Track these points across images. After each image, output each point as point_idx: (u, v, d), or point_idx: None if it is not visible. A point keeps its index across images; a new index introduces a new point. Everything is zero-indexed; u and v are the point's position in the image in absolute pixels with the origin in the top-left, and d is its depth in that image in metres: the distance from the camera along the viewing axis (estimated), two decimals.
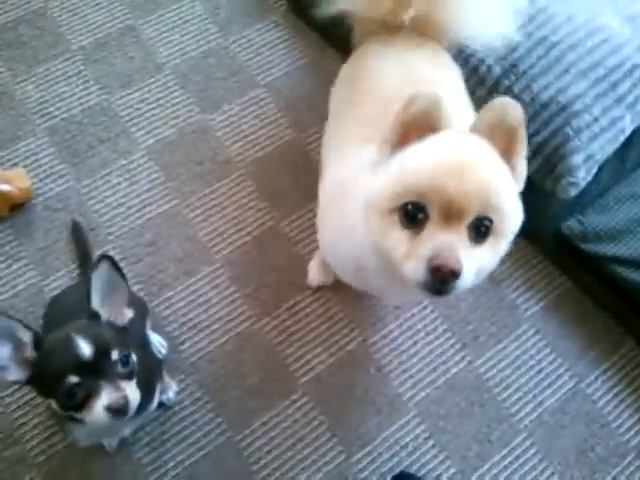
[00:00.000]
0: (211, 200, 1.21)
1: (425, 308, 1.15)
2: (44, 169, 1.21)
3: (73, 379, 0.63)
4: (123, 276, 0.71)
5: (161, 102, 1.28)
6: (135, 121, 1.26)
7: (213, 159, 1.25)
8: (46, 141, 1.23)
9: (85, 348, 0.64)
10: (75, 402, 0.64)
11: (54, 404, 0.66)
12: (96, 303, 0.69)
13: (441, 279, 0.56)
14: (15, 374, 0.64)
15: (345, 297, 1.14)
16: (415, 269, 0.57)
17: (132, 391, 0.66)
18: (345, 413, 1.05)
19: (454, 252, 0.56)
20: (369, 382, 1.07)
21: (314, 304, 1.13)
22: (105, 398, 0.63)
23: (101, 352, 0.65)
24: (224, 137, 1.27)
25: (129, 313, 0.73)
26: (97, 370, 0.64)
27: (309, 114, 1.29)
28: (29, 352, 0.65)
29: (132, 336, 0.75)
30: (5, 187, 1.11)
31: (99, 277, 0.68)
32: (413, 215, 0.59)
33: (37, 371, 0.65)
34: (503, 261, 1.17)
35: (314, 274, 1.12)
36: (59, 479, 0.97)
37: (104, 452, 0.99)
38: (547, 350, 1.13)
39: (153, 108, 1.28)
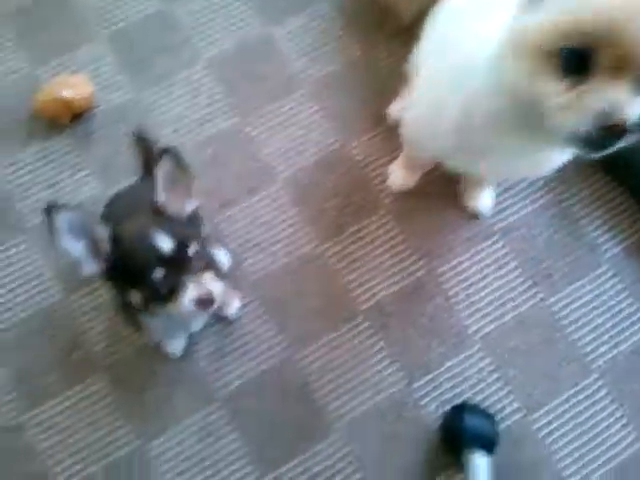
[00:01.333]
0: (274, 118, 1.15)
1: (496, 242, 1.09)
2: (104, 77, 1.16)
3: (159, 273, 0.62)
4: (186, 166, 0.69)
5: (223, 11, 1.21)
6: (198, 29, 1.19)
7: (276, 75, 1.18)
8: (107, 48, 1.18)
9: (165, 242, 0.63)
10: (160, 295, 0.64)
11: (136, 296, 0.65)
12: (162, 197, 0.67)
13: (613, 135, 0.51)
14: (90, 267, 0.64)
15: (410, 227, 1.09)
16: (577, 122, 0.52)
17: (213, 282, 0.66)
18: (408, 341, 1.02)
19: (630, 109, 0.50)
20: (435, 311, 1.04)
21: (379, 230, 1.09)
22: (191, 292, 0.64)
23: (180, 246, 0.64)
24: (288, 51, 1.19)
25: (194, 202, 0.70)
26: (178, 264, 0.64)
27: (378, 31, 1.19)
28: (105, 247, 0.65)
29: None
30: (69, 93, 1.08)
31: (163, 171, 0.66)
32: (578, 61, 0.51)
33: (116, 265, 0.65)
34: (582, 197, 1.12)
35: (396, 176, 1.08)
36: (125, 381, 0.98)
37: (168, 358, 0.99)
38: (625, 294, 1.06)
39: (215, 17, 1.20)
